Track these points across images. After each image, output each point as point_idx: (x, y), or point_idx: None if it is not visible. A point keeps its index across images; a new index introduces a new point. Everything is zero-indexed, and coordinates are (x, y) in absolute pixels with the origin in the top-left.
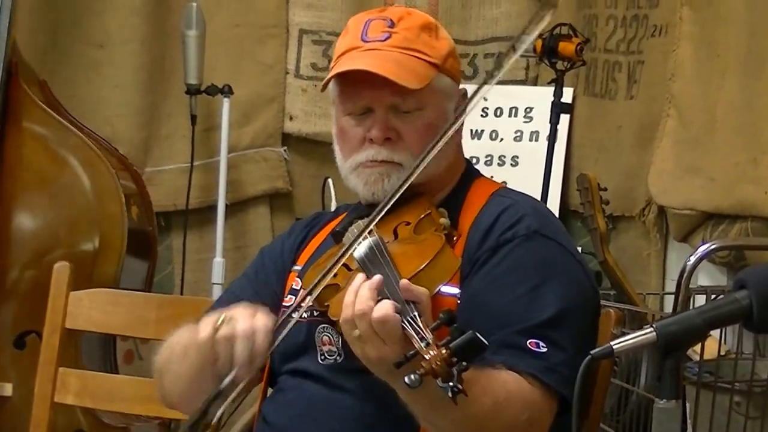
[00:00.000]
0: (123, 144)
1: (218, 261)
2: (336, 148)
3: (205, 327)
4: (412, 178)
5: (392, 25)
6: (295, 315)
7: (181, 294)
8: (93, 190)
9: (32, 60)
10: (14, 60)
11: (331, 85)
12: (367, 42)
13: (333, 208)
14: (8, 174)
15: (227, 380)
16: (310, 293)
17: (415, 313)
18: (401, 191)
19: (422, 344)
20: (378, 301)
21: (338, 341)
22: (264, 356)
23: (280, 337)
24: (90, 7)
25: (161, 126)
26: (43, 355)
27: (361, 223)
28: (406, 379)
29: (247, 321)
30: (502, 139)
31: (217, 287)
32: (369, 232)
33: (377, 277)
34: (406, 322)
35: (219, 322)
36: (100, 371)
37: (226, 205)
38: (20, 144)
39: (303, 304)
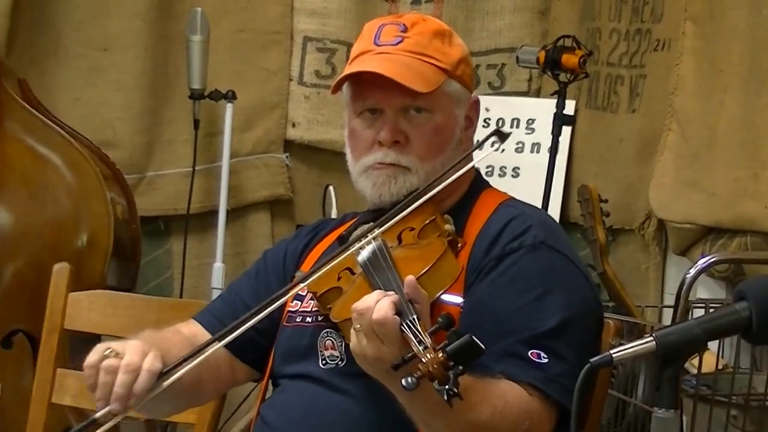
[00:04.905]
0: (125, 148)
1: (218, 266)
2: (347, 150)
3: (94, 354)
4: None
5: (405, 30)
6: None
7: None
8: (77, 189)
9: (34, 62)
10: None
11: (344, 89)
12: (379, 45)
13: (334, 216)
14: None
15: (102, 411)
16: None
17: (414, 316)
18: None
19: (420, 347)
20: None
21: (341, 346)
22: (142, 398)
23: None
24: (94, 10)
25: (164, 130)
26: (41, 356)
27: (365, 227)
28: (403, 381)
29: (135, 357)
30: (503, 150)
31: (216, 292)
32: (373, 237)
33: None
34: (405, 324)
35: (106, 352)
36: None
37: (227, 211)
38: (2, 143)
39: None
